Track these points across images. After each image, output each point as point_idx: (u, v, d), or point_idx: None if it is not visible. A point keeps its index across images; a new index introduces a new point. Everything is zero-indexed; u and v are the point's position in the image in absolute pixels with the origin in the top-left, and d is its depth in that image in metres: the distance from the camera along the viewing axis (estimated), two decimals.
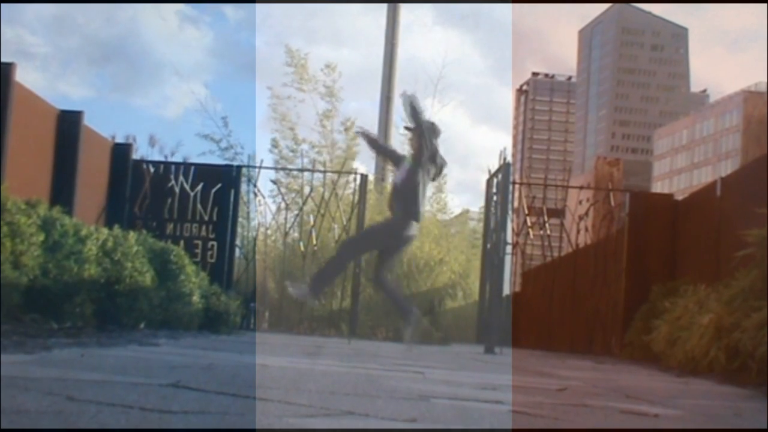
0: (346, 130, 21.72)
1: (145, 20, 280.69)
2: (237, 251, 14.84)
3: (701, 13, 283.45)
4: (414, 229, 10.34)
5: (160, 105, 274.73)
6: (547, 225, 15.97)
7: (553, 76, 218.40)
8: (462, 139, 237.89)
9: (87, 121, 11.88)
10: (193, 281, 11.06)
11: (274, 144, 21.25)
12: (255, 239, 16.67)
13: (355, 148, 21.79)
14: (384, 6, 24.59)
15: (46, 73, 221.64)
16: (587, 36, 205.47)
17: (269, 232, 17.87)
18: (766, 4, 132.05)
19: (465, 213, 22.72)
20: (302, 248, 16.18)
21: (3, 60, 9.86)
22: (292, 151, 21.22)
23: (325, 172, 19.07)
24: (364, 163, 22.44)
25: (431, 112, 22.67)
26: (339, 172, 18.02)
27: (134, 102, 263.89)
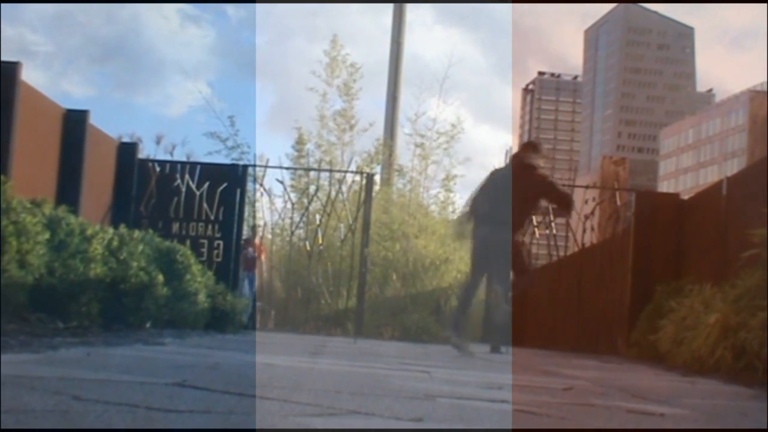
0: (351, 128, 21.72)
1: (146, 19, 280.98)
2: None
3: (707, 13, 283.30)
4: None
5: (163, 104, 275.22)
6: (552, 224, 15.96)
7: (558, 76, 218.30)
8: (465, 138, 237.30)
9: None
10: (199, 280, 11.07)
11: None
12: (261, 238, 16.73)
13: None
14: (385, 5, 24.60)
15: (48, 72, 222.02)
16: (593, 35, 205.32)
17: (276, 231, 17.91)
18: (766, 4, 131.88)
19: None
20: (308, 247, 16.22)
21: (4, 59, 9.87)
22: (298, 150, 21.23)
23: (331, 171, 19.07)
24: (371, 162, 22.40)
25: (436, 111, 22.65)
26: (345, 172, 18.03)
27: (136, 100, 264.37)
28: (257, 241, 17.14)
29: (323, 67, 21.91)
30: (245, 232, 17.06)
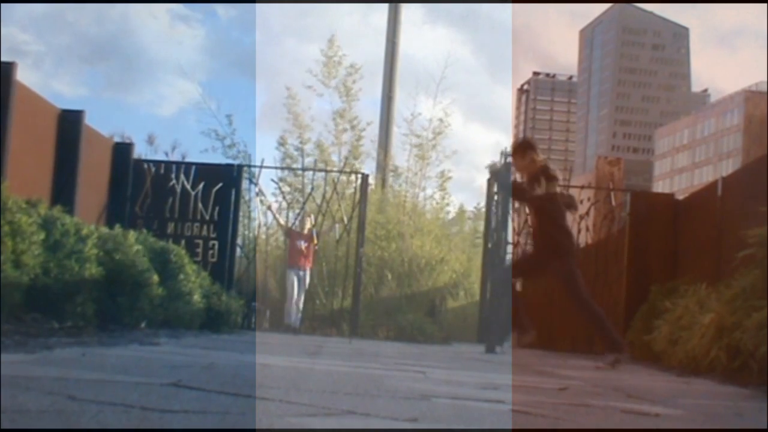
0: (353, 128, 21.71)
1: (136, 18, 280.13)
2: (238, 250, 14.83)
3: (702, 13, 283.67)
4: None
5: (155, 103, 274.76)
6: None
7: (554, 76, 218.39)
8: (459, 138, 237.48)
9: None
10: (194, 281, 11.06)
11: (281, 142, 21.23)
12: (256, 238, 16.68)
13: (360, 148, 21.80)
14: (380, 5, 24.72)
15: (39, 72, 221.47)
16: (588, 36, 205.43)
17: (270, 231, 17.86)
18: (766, 4, 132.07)
19: (478, 211, 22.61)
20: (303, 248, 16.19)
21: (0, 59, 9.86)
22: (297, 149, 21.22)
23: (326, 171, 19.06)
24: (366, 162, 22.40)
25: (433, 112, 22.66)
26: (340, 172, 18.02)
27: (128, 100, 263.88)
28: (306, 231, 15.68)
29: (320, 67, 21.91)
30: (294, 222, 16.52)
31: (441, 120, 22.25)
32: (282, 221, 16.44)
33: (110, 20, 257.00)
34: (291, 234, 15.79)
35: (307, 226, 15.81)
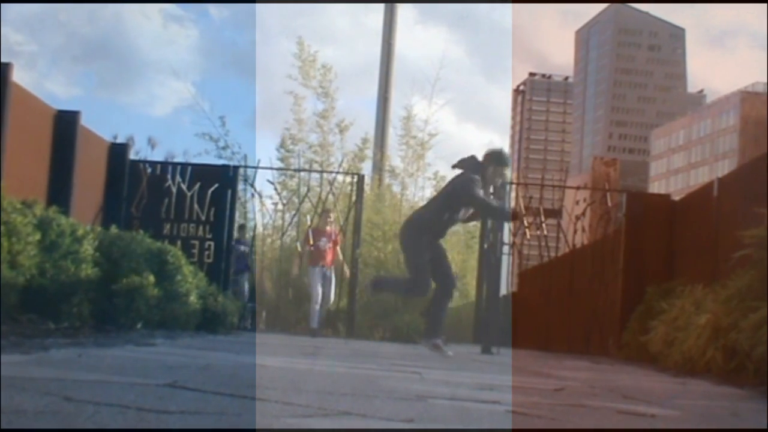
0: (341, 131, 21.72)
1: (129, 18, 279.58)
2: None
3: (698, 14, 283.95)
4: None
5: (148, 103, 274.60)
6: (544, 225, 15.97)
7: (550, 77, 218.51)
8: (458, 138, 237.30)
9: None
10: (190, 281, 11.05)
11: (283, 143, 21.23)
12: (253, 239, 16.68)
13: (365, 151, 21.83)
14: (376, 5, 24.76)
15: (32, 72, 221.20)
16: (584, 36, 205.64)
17: (267, 232, 17.85)
18: (765, 4, 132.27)
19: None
20: (299, 248, 16.18)
21: None
22: (288, 151, 21.23)
23: (322, 172, 19.05)
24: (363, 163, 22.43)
25: (428, 113, 22.69)
26: (336, 173, 18.02)
27: (121, 100, 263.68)
28: (329, 228, 15.04)
29: (297, 69, 21.93)
30: (314, 220, 16.17)
31: (424, 121, 22.34)
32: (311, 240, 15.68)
33: (103, 20, 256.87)
34: (313, 232, 15.32)
35: (330, 223, 15.39)
